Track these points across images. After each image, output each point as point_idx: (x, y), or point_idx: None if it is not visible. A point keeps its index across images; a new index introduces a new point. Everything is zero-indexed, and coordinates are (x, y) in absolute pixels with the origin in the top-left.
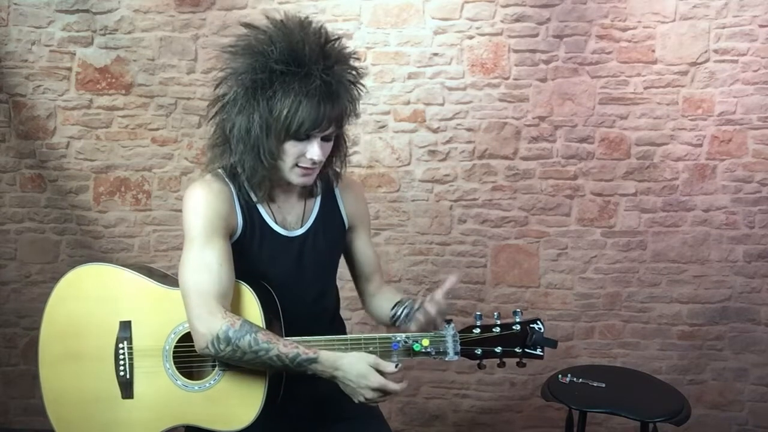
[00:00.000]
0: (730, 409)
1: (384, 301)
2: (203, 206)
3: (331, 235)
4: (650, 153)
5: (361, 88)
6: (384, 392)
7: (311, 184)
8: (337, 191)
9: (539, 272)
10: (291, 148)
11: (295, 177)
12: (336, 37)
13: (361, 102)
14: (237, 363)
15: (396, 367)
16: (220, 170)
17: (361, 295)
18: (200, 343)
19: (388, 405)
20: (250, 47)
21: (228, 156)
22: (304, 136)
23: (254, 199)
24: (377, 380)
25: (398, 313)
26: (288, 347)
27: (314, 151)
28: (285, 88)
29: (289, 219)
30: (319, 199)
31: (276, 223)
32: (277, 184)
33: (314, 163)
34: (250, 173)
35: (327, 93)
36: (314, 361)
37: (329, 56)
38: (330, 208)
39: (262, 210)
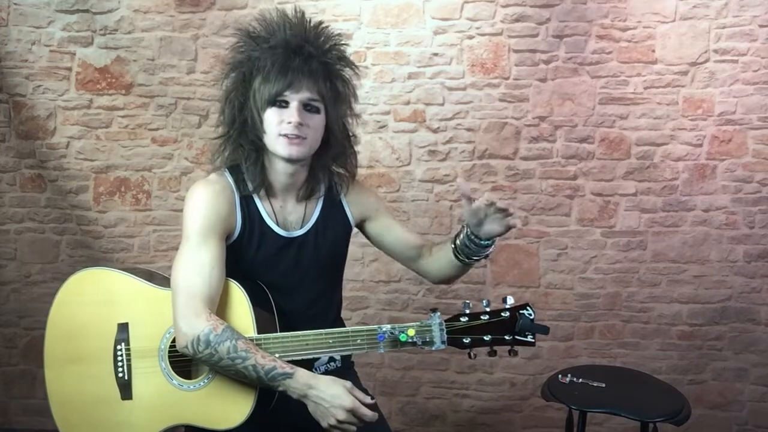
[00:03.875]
0: (730, 409)
1: (436, 251)
2: (204, 205)
3: (333, 236)
4: (650, 153)
5: (350, 67)
6: (356, 416)
7: (299, 159)
8: (342, 196)
9: (539, 272)
10: (271, 116)
11: (281, 148)
12: (321, 22)
13: (357, 93)
14: (213, 366)
15: (372, 399)
16: (223, 168)
17: (421, 274)
18: (180, 341)
19: (388, 405)
20: (236, 46)
21: (229, 148)
22: (283, 104)
23: (250, 188)
24: (352, 401)
25: (460, 243)
26: (266, 359)
27: (291, 113)
28: (258, 64)
29: (290, 220)
30: (321, 201)
31: (277, 224)
32: (275, 177)
33: (294, 127)
34: (246, 157)
35: (299, 57)
36: (289, 376)
37: (307, 33)
38: (333, 209)
39: (263, 210)
